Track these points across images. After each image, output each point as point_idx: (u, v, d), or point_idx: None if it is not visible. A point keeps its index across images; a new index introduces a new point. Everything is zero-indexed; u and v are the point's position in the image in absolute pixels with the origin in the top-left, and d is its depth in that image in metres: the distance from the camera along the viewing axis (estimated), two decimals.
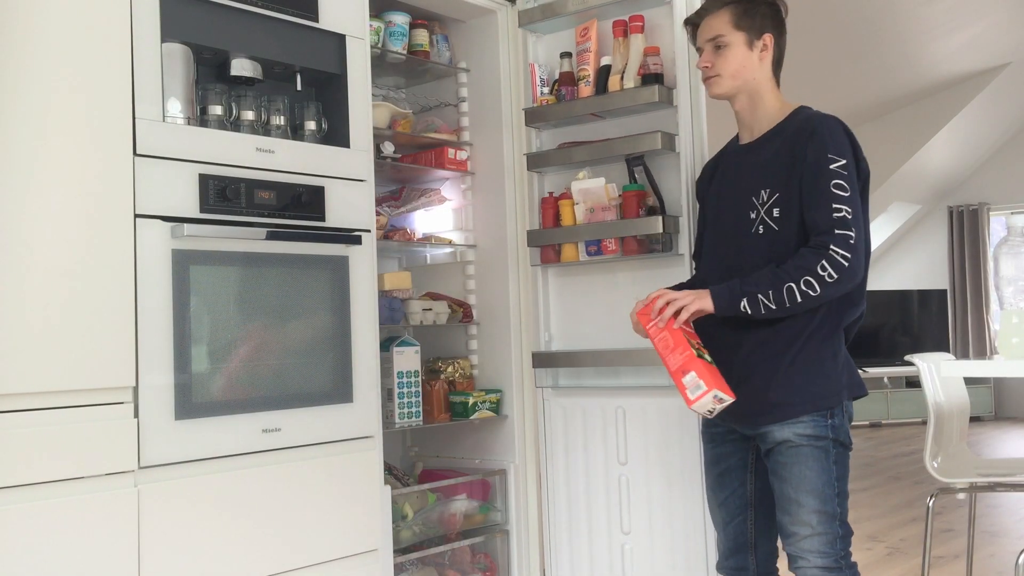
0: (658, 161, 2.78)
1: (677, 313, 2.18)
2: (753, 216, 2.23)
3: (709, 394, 2.11)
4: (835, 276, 2.08)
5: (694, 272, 2.55)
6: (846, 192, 2.12)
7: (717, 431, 2.36)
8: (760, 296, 2.12)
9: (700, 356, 2.16)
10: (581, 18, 2.92)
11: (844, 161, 2.14)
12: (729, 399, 2.13)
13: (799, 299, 2.10)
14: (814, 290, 2.09)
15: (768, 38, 2.29)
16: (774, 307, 2.12)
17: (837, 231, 2.09)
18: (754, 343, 2.20)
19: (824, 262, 2.08)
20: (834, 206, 2.11)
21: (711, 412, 2.16)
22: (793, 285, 2.10)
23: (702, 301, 2.18)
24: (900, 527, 4.83)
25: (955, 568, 3.94)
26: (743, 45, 2.27)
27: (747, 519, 2.33)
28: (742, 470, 2.33)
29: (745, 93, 2.30)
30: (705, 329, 2.27)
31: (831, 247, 2.09)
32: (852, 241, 2.09)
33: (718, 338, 2.26)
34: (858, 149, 2.20)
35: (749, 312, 2.14)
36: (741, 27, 2.27)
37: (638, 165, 2.77)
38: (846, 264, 2.08)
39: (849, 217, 2.10)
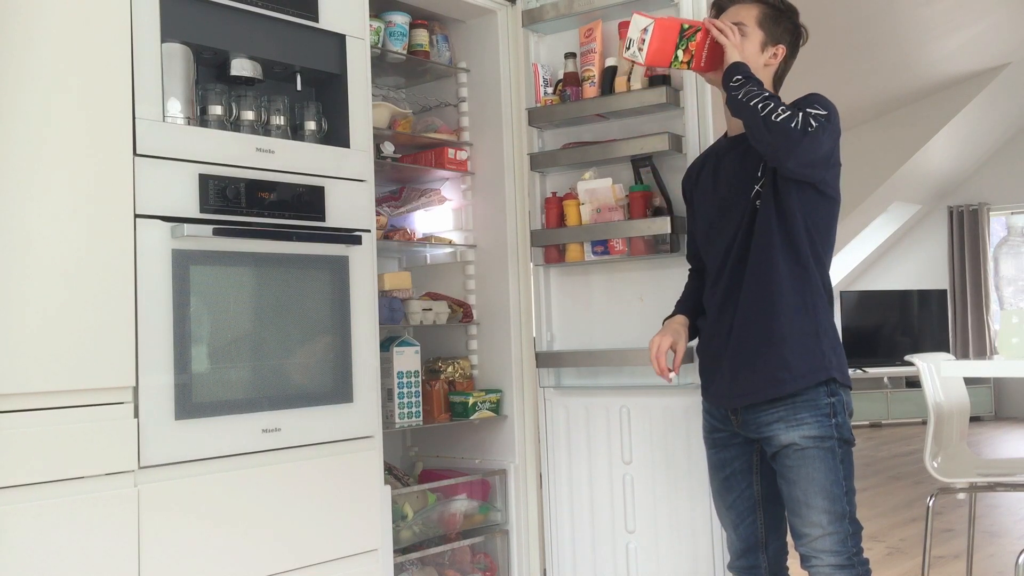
0: (664, 162, 2.78)
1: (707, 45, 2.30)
2: (753, 196, 2.25)
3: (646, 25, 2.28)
4: (777, 122, 2.07)
5: (689, 270, 2.56)
6: (822, 125, 2.10)
7: (720, 436, 2.36)
8: (748, 86, 2.17)
9: (683, 30, 2.30)
10: (585, 19, 2.92)
11: (827, 113, 2.14)
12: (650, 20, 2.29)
13: (749, 104, 2.12)
14: (762, 111, 2.10)
15: (781, 50, 2.34)
16: (739, 96, 2.16)
17: (808, 120, 2.09)
18: (740, 327, 2.24)
19: (786, 108, 2.09)
20: (809, 109, 2.11)
21: (630, 44, 2.31)
22: (760, 97, 2.12)
23: (732, 51, 2.27)
24: (900, 527, 4.83)
25: (955, 568, 3.94)
26: (758, 43, 2.32)
27: (757, 519, 2.33)
28: (748, 473, 2.33)
29: None
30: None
31: (801, 113, 2.08)
32: (811, 130, 2.07)
33: (711, 327, 2.33)
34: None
35: (731, 85, 2.20)
36: (763, 27, 2.32)
37: (645, 166, 2.78)
38: (793, 127, 2.07)
39: (815, 124, 2.08)
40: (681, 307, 2.49)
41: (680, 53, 2.31)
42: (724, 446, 2.35)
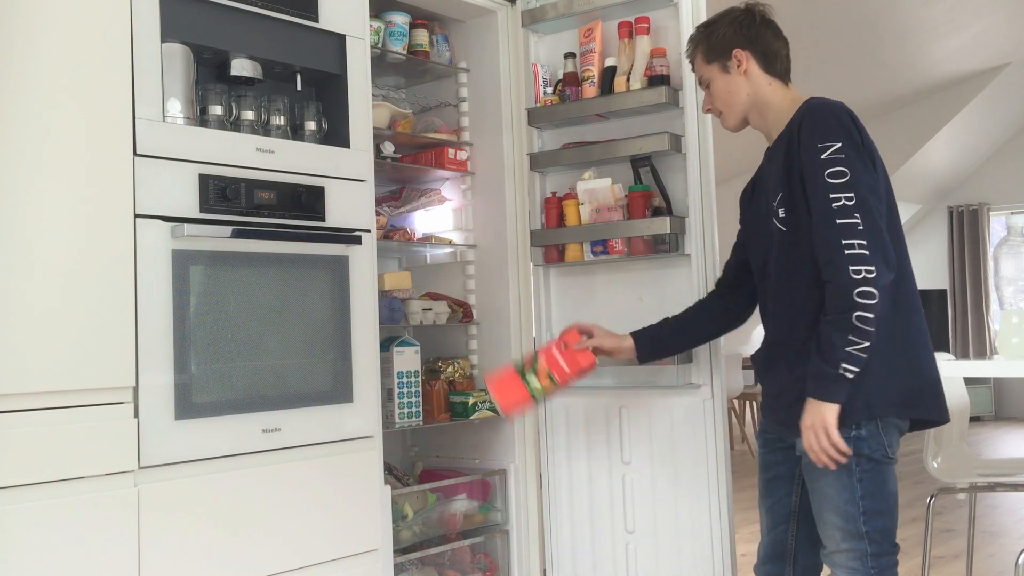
0: (663, 162, 2.79)
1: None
2: (770, 220, 2.18)
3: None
4: (872, 269, 1.96)
5: (719, 275, 2.52)
6: (844, 177, 2.01)
7: (770, 436, 2.30)
8: (844, 351, 1.98)
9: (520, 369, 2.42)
10: (585, 19, 2.92)
11: (838, 144, 2.03)
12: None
13: (869, 313, 1.96)
14: (871, 297, 1.96)
15: (738, 52, 2.24)
16: (864, 343, 1.97)
17: (839, 221, 1.99)
18: (788, 351, 2.16)
19: (848, 266, 1.96)
20: (831, 196, 2.01)
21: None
22: (849, 313, 1.97)
23: (825, 413, 2.01)
24: (900, 527, 4.80)
25: (955, 568, 3.94)
26: (720, 74, 2.27)
27: (789, 529, 2.27)
28: (789, 480, 2.26)
29: (753, 111, 2.28)
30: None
31: (843, 242, 1.98)
32: (860, 227, 1.97)
33: (768, 354, 2.25)
34: (860, 128, 2.09)
35: (853, 369, 1.98)
36: (711, 59, 2.28)
37: (645, 166, 2.78)
38: (868, 253, 1.96)
39: (851, 204, 1.99)
40: (649, 329, 2.48)
41: (533, 380, 2.36)
42: (772, 448, 2.29)
